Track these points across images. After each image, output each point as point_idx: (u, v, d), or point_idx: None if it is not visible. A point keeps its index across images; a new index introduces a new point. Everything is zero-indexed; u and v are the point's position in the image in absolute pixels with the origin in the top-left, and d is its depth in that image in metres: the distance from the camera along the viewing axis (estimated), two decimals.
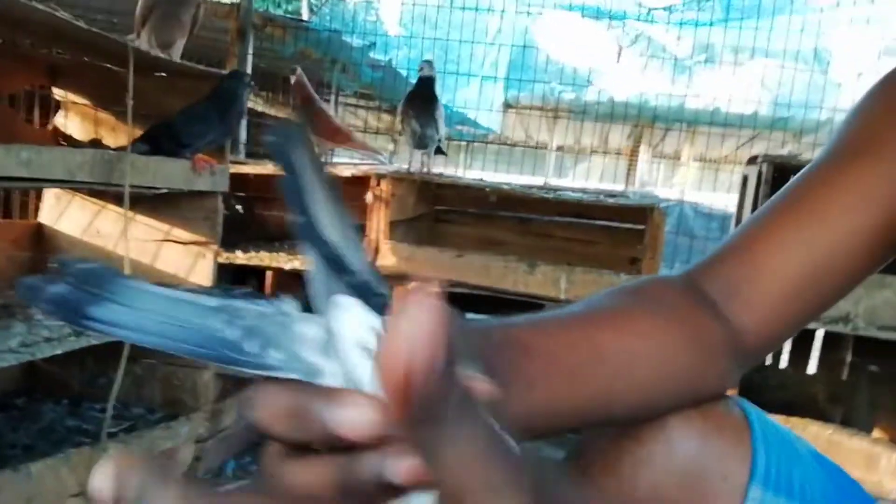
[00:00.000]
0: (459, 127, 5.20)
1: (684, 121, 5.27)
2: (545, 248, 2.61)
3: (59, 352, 1.41)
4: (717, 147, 5.33)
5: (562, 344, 0.49)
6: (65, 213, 2.10)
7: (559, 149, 6.24)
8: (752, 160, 2.39)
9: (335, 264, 0.30)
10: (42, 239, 2.12)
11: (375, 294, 0.30)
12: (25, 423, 1.74)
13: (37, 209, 2.14)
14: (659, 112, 5.19)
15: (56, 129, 2.09)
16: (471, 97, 4.71)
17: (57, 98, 2.09)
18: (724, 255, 0.59)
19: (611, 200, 2.25)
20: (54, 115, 2.10)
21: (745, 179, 2.44)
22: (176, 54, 1.90)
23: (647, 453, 0.53)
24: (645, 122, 5.61)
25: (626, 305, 0.55)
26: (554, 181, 5.43)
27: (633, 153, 5.91)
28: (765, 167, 2.15)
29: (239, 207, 2.63)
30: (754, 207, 2.16)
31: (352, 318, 0.28)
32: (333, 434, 0.27)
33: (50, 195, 2.11)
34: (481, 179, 2.61)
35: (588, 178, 6.35)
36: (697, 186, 5.88)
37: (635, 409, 0.52)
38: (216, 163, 1.92)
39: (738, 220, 2.41)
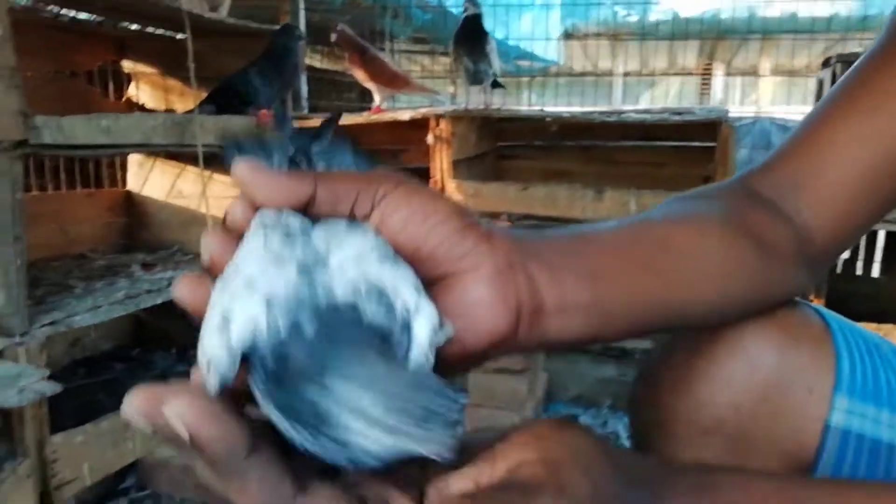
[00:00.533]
0: (520, 62, 5.11)
1: (758, 31, 4.99)
2: (612, 174, 2.57)
3: (159, 301, 1.53)
4: (797, 56, 5.04)
5: (628, 235, 0.46)
6: (149, 179, 2.24)
7: (626, 75, 6.03)
8: (825, 63, 2.27)
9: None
10: (132, 204, 2.27)
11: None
12: (141, 372, 1.91)
13: (124, 178, 2.29)
14: (730, 25, 4.93)
15: (129, 101, 2.21)
16: (528, 30, 4.60)
17: (127, 71, 2.20)
18: (781, 155, 0.56)
19: (676, 118, 2.20)
20: (127, 87, 2.22)
21: (820, 84, 2.32)
22: (223, 12, 1.95)
23: (725, 372, 0.51)
24: (715, 36, 5.34)
25: (683, 208, 0.52)
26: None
27: (706, 71, 5.65)
28: (839, 68, 2.04)
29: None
30: None
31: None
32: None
33: (133, 163, 2.24)
34: (541, 109, 2.59)
35: (659, 102, 6.13)
36: (775, 100, 5.59)
37: (710, 308, 0.48)
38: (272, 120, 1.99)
39: None
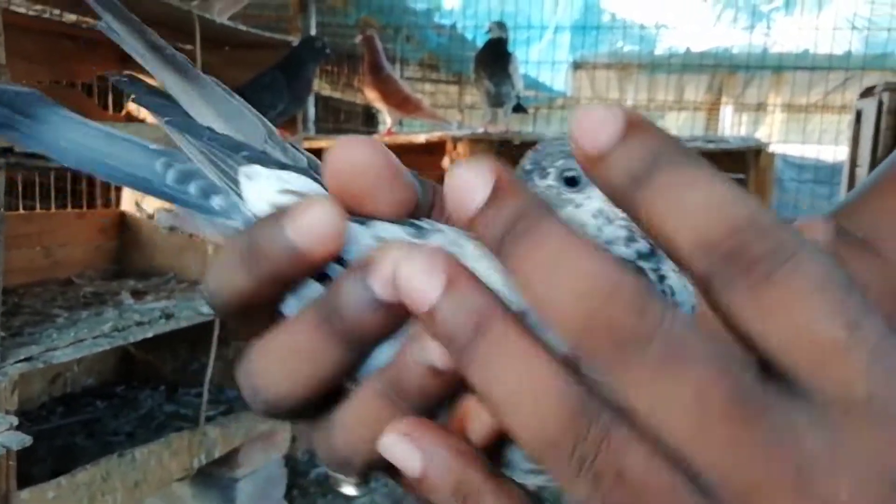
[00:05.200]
0: (528, 92, 5.04)
1: (768, 67, 4.96)
2: None
3: (149, 335, 1.38)
4: (805, 93, 5.00)
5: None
6: (145, 198, 2.09)
7: (633, 106, 5.98)
8: (866, 92, 2.17)
9: (225, 147, 0.27)
10: (125, 227, 2.12)
11: (286, 165, 0.27)
12: (126, 411, 1.75)
13: (118, 198, 2.14)
14: (740, 59, 4.91)
15: (129, 114, 2.07)
16: (536, 59, 4.55)
17: None
18: (871, 191, 0.51)
19: (710, 146, 2.08)
20: (127, 100, 2.08)
21: (858, 115, 2.21)
22: (221, 15, 1.82)
23: None
24: (724, 71, 5.31)
25: None
26: None
27: (713, 106, 5.60)
28: (886, 97, 1.93)
29: None
30: (875, 142, 1.95)
31: (266, 183, 0.26)
32: (293, 249, 0.22)
33: None
34: (563, 135, 2.47)
35: None
36: (784, 137, 5.53)
37: None
38: (289, 135, 1.85)
39: (853, 160, 2.19)
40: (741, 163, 2.09)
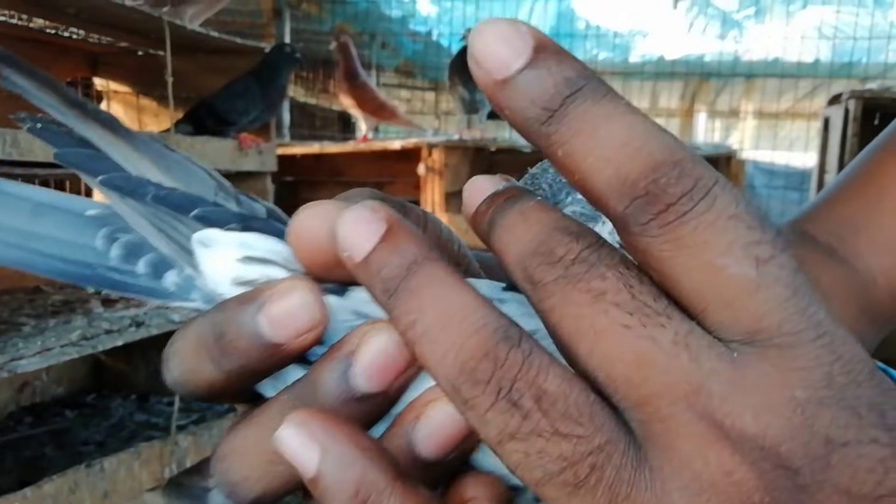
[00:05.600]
0: None
1: (740, 74, 5.05)
2: None
3: (119, 343, 1.36)
4: (776, 100, 5.09)
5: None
6: None
7: None
8: (833, 100, 2.22)
9: (173, 207, 0.23)
10: None
11: (245, 217, 0.23)
12: (96, 420, 1.72)
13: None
14: (713, 67, 4.99)
15: None
16: None
17: (99, 88, 2.05)
18: (835, 197, 0.51)
19: None
20: (97, 102, 2.06)
21: (826, 122, 2.26)
22: (193, 21, 1.80)
23: None
24: (697, 78, 5.39)
25: None
26: None
27: (687, 113, 5.68)
28: (851, 104, 1.97)
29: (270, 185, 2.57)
30: (842, 149, 1.99)
31: (225, 251, 0.22)
32: (266, 343, 0.20)
33: None
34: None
35: None
36: (756, 143, 5.62)
37: None
38: (262, 141, 1.84)
39: (822, 166, 2.23)
40: (714, 168, 2.12)
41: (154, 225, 0.23)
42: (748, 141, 5.59)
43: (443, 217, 2.17)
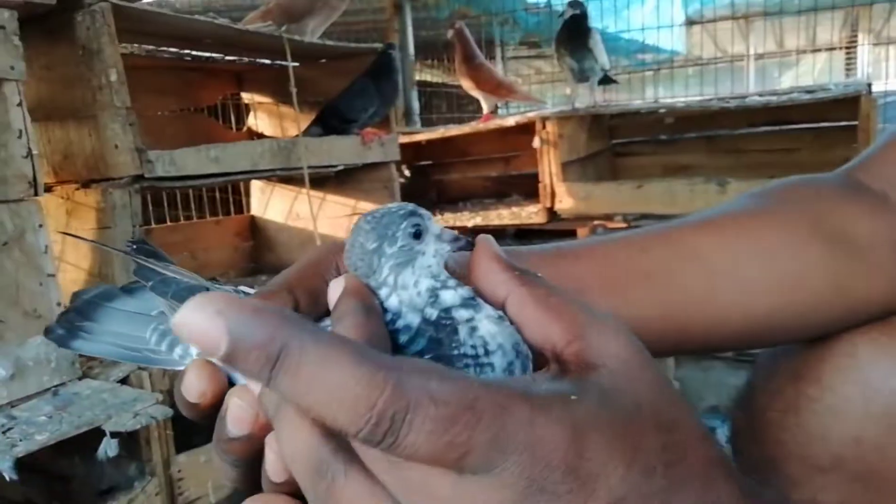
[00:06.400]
0: (640, 55, 4.88)
1: None
2: (741, 165, 2.38)
3: None
4: None
5: (628, 247, 0.44)
6: (269, 204, 2.35)
7: (759, 57, 5.61)
8: None
9: (180, 297, 0.34)
10: (256, 229, 2.39)
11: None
12: None
13: (248, 204, 2.42)
14: None
15: (250, 130, 2.33)
16: (648, 20, 4.39)
17: (246, 102, 2.32)
18: (888, 146, 0.51)
19: (806, 97, 1.99)
20: (246, 118, 2.34)
21: None
22: (315, 32, 1.98)
23: (839, 399, 0.44)
24: (861, 4, 4.85)
25: (740, 208, 0.48)
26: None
27: (850, 45, 5.14)
28: None
29: (406, 172, 2.73)
30: None
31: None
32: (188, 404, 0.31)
33: (255, 189, 2.36)
34: (655, 101, 2.45)
35: (804, 82, 5.64)
36: None
37: (756, 322, 0.43)
38: (384, 133, 2.01)
39: None
40: (854, 109, 1.97)
41: (172, 311, 0.34)
42: None
43: (560, 187, 2.23)
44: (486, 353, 0.29)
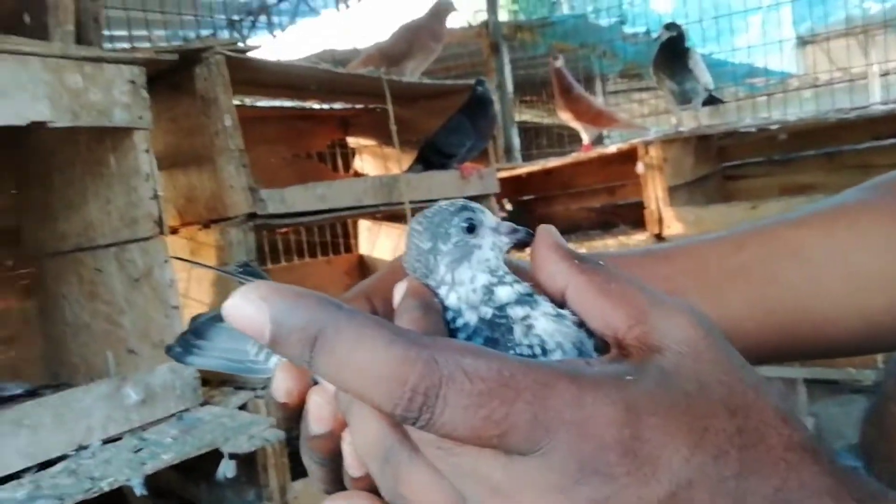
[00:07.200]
0: (750, 80, 4.70)
1: None
2: (864, 181, 2.22)
3: None
4: None
5: (722, 245, 0.42)
6: (377, 243, 2.42)
7: (884, 74, 5.25)
8: None
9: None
10: (364, 267, 2.47)
11: None
12: None
13: (356, 244, 2.51)
14: None
15: (356, 172, 2.43)
16: (753, 42, 4.23)
17: (352, 146, 2.43)
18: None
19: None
20: (353, 160, 2.45)
21: None
22: (414, 73, 2.05)
23: None
24: None
25: (842, 202, 0.45)
26: None
27: None
28: None
29: (508, 206, 2.73)
30: None
31: None
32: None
33: (363, 229, 2.45)
34: (766, 117, 2.34)
35: None
36: None
37: (875, 316, 0.41)
38: (482, 167, 2.04)
39: None
40: None
41: None
42: None
43: (668, 212, 2.16)
44: (544, 351, 0.29)
